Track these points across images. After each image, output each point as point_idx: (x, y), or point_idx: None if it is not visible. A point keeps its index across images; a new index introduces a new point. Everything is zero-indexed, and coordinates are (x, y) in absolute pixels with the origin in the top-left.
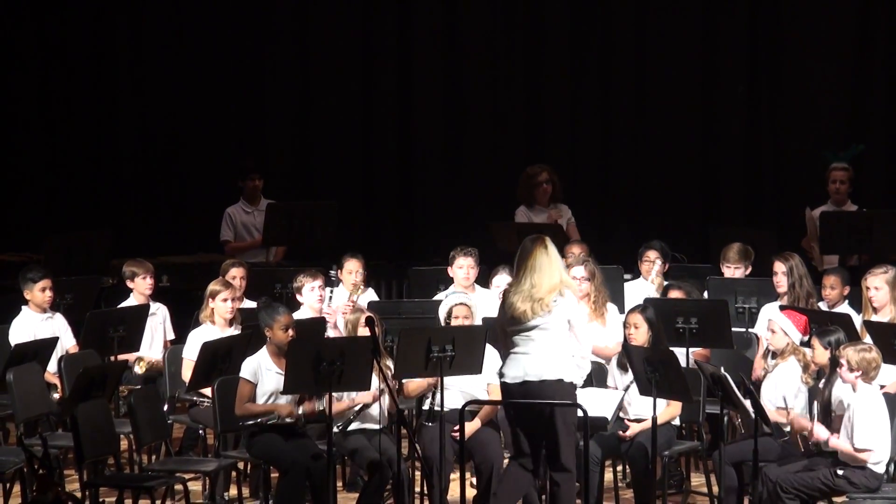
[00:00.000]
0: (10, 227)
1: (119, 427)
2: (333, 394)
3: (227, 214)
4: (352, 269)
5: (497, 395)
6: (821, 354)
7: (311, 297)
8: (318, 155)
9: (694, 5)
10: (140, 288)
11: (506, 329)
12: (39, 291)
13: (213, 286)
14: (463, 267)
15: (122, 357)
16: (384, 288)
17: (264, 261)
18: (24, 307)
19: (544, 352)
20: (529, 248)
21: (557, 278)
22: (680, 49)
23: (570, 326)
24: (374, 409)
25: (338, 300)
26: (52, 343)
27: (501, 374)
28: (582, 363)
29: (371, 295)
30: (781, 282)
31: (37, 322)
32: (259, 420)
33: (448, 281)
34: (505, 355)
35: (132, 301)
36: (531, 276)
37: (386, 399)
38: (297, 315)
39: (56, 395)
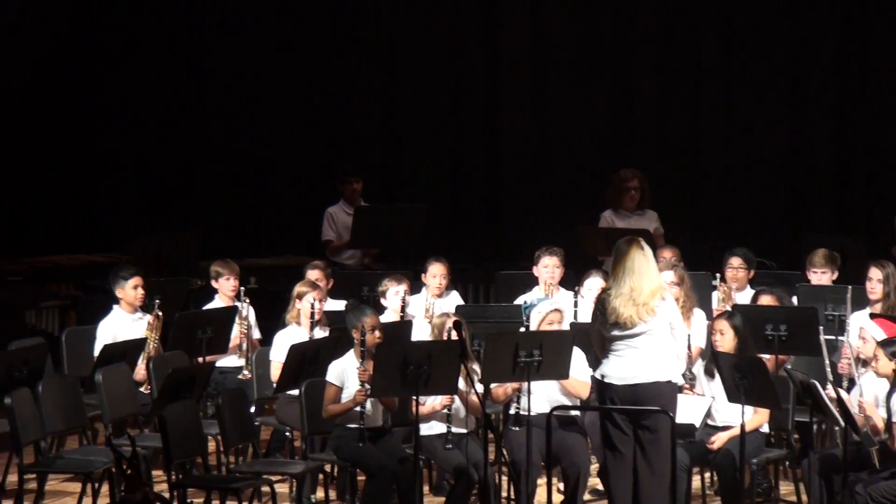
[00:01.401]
0: (99, 228)
1: (207, 428)
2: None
3: (328, 214)
4: (436, 273)
5: (576, 389)
6: (884, 365)
7: (396, 302)
8: (407, 157)
9: (783, 9)
10: (224, 289)
11: (604, 333)
12: (132, 289)
13: (299, 287)
14: (548, 266)
15: (209, 358)
16: (471, 291)
17: (354, 263)
18: (114, 307)
19: (653, 353)
20: (625, 249)
21: (657, 280)
22: (769, 53)
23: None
24: (461, 414)
25: (417, 305)
26: (140, 344)
27: (603, 375)
28: (681, 365)
29: (457, 298)
30: (875, 288)
31: (126, 322)
32: (348, 425)
33: (535, 284)
34: (605, 357)
35: (217, 302)
36: (630, 279)
37: (472, 403)
38: (382, 318)
39: (144, 389)
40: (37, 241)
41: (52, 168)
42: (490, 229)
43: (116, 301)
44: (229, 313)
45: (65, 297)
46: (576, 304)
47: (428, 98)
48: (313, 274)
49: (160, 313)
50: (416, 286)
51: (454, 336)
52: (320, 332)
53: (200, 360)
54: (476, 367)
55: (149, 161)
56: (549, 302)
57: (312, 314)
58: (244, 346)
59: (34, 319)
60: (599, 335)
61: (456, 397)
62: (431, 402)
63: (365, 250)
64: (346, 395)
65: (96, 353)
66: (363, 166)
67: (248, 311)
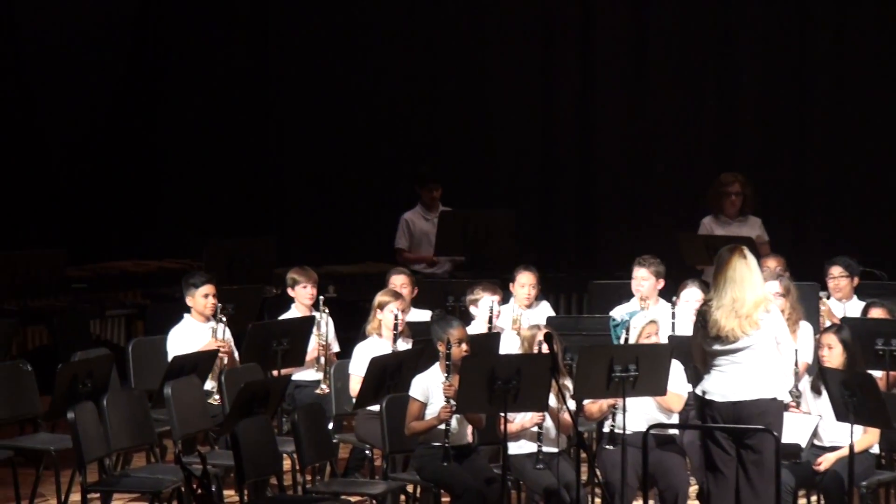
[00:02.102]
0: (169, 233)
1: (282, 446)
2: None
3: (403, 221)
4: (524, 283)
5: (668, 403)
6: None
7: (485, 312)
8: (493, 160)
9: (894, 6)
10: (301, 297)
11: (706, 348)
12: (202, 297)
13: (381, 297)
14: (636, 279)
15: (285, 372)
16: (563, 302)
17: (437, 271)
18: (185, 315)
19: (757, 369)
20: (727, 258)
21: (761, 291)
22: (879, 52)
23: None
24: (552, 432)
25: (505, 316)
26: (212, 355)
27: (704, 392)
28: (787, 381)
29: (547, 309)
30: None
31: (198, 332)
32: (432, 443)
33: (631, 294)
34: (707, 373)
35: (294, 311)
36: (732, 290)
37: (564, 421)
38: (469, 330)
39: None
40: (103, 246)
41: (119, 170)
42: (583, 236)
43: (187, 310)
44: (306, 324)
45: (132, 306)
46: (673, 316)
47: (516, 97)
48: (397, 281)
49: (224, 318)
50: (503, 296)
51: (545, 349)
52: (403, 345)
53: (275, 373)
54: (568, 382)
55: (221, 163)
56: (644, 314)
57: (396, 325)
58: (322, 358)
59: (99, 329)
60: (701, 349)
61: (547, 414)
62: (521, 420)
63: (453, 258)
64: (431, 412)
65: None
66: (447, 170)
67: (326, 321)
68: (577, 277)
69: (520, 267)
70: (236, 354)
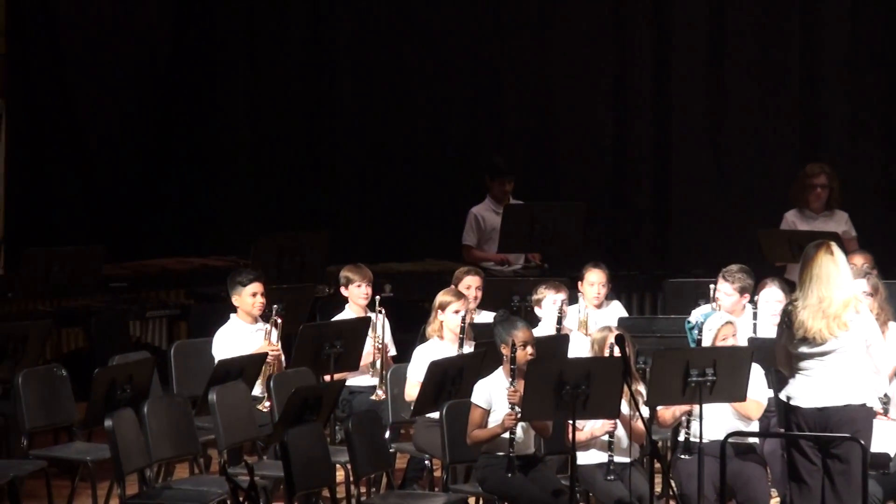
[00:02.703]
0: (214, 229)
1: (335, 455)
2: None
3: (472, 216)
4: (594, 281)
5: (746, 410)
6: None
7: (552, 313)
8: (562, 150)
9: None
10: (355, 297)
11: (791, 350)
12: (249, 296)
13: (442, 296)
14: (719, 291)
15: (338, 376)
16: (636, 302)
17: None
18: (231, 316)
19: (846, 373)
20: (812, 254)
21: (850, 290)
22: None
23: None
24: (624, 441)
25: (573, 317)
26: (260, 359)
27: (789, 397)
28: (879, 387)
29: (619, 310)
30: None
31: (246, 334)
32: (496, 453)
33: (709, 295)
34: (793, 377)
35: (348, 312)
36: (818, 288)
37: (636, 429)
38: (536, 332)
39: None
40: (143, 242)
41: (162, 163)
42: (657, 232)
43: (233, 310)
44: (361, 325)
45: (174, 307)
46: (754, 317)
47: (587, 84)
48: (470, 282)
49: (279, 320)
50: (571, 296)
51: (616, 352)
52: (465, 348)
53: (328, 377)
54: (641, 387)
55: (270, 155)
56: (720, 315)
57: (462, 328)
58: (378, 362)
59: (139, 331)
60: (785, 352)
61: (618, 422)
62: (590, 428)
63: (530, 253)
64: (494, 419)
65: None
66: (513, 160)
67: (382, 322)
68: (650, 276)
69: (589, 264)
70: (282, 358)
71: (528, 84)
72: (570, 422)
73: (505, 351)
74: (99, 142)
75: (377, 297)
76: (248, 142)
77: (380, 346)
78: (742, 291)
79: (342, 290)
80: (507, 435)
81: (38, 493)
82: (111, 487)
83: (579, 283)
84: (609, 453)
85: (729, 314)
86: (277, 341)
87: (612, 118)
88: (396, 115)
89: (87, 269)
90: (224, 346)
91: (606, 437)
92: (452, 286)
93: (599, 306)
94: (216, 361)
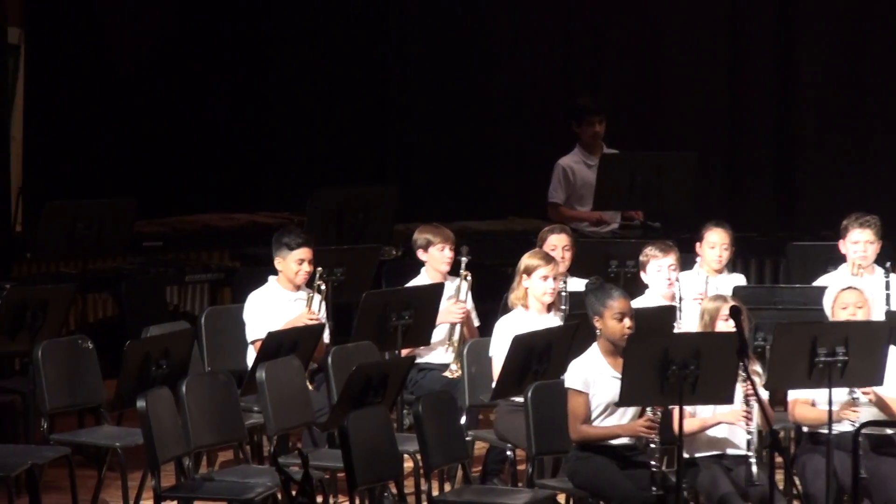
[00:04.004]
0: (265, 181)
1: (402, 444)
2: (688, 409)
3: (560, 168)
4: (715, 242)
5: (891, 406)
6: None
7: (659, 279)
8: (669, 94)
9: None
10: (436, 262)
11: None
12: (295, 263)
13: (528, 260)
14: (859, 242)
15: (407, 352)
16: (755, 269)
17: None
18: (270, 279)
19: None
20: None
21: None
22: None
23: None
24: (739, 434)
25: (687, 285)
26: (317, 331)
27: None
28: None
29: (738, 278)
30: None
31: (284, 301)
32: None
33: (840, 260)
34: None
35: (424, 278)
36: None
37: (755, 416)
38: (638, 302)
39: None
40: (182, 196)
41: (204, 103)
42: (780, 187)
43: (275, 272)
44: (434, 292)
45: (217, 270)
46: (887, 287)
47: (698, 13)
48: (556, 242)
49: (322, 286)
50: (682, 261)
51: (731, 326)
52: (553, 320)
53: (395, 353)
54: (759, 367)
55: (331, 98)
56: (842, 279)
57: (551, 296)
58: (455, 332)
59: (177, 298)
60: None
61: (754, 410)
62: (702, 415)
63: (625, 212)
64: (593, 404)
65: (249, 336)
66: (611, 108)
67: (466, 290)
68: (771, 238)
69: (710, 223)
70: (327, 335)
71: (627, 15)
72: (676, 407)
73: (598, 324)
74: (132, 79)
75: (462, 260)
76: (306, 81)
77: (460, 314)
78: (880, 239)
79: (419, 253)
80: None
81: (59, 484)
82: (144, 478)
83: (697, 244)
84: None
85: (860, 277)
86: (320, 310)
87: (728, 54)
88: (474, 52)
89: (118, 225)
90: (257, 313)
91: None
92: (538, 247)
93: (720, 272)
94: (248, 329)
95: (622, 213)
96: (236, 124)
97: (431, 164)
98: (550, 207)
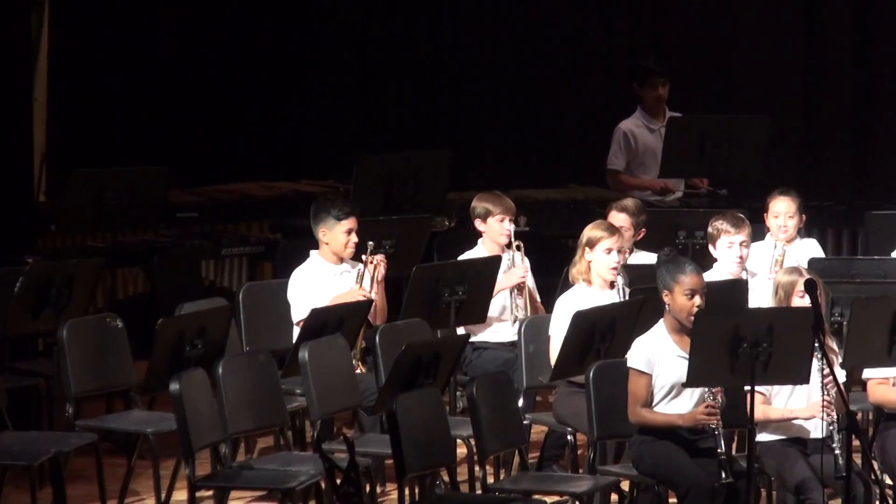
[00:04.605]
0: (309, 147)
1: (456, 428)
2: (763, 389)
3: (620, 132)
4: (779, 212)
5: None
6: None
7: (730, 256)
8: (741, 56)
9: None
10: (494, 233)
11: None
12: (343, 234)
13: (590, 231)
14: None
15: (461, 330)
16: (831, 240)
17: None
18: (312, 253)
19: None
20: None
21: None
22: None
23: None
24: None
25: (757, 258)
26: (365, 307)
27: None
28: None
29: (814, 248)
30: None
31: (328, 276)
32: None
33: None
34: None
35: (480, 251)
36: None
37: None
38: (707, 276)
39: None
40: (219, 163)
41: (243, 63)
42: (859, 153)
43: (315, 245)
44: (490, 266)
45: (257, 243)
46: None
47: None
48: (619, 218)
49: (374, 259)
50: (756, 231)
51: (805, 301)
52: (615, 296)
53: (448, 331)
54: (835, 345)
55: (380, 57)
56: None
57: (615, 271)
58: (514, 308)
59: (213, 273)
60: None
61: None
62: (786, 412)
63: (689, 179)
64: (658, 385)
65: (295, 316)
66: (676, 71)
67: (517, 259)
68: (849, 207)
69: (775, 191)
70: (383, 307)
71: None
72: (748, 388)
73: (667, 300)
74: (165, 38)
75: (510, 229)
76: (351, 39)
77: (521, 273)
78: None
79: (477, 223)
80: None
81: (86, 474)
82: (177, 467)
83: (764, 214)
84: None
85: None
86: (372, 287)
87: (803, 10)
88: (533, 8)
89: (149, 195)
90: (304, 291)
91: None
92: (609, 219)
93: (789, 242)
94: (295, 308)
95: (686, 180)
96: (277, 86)
97: (486, 128)
98: (609, 175)
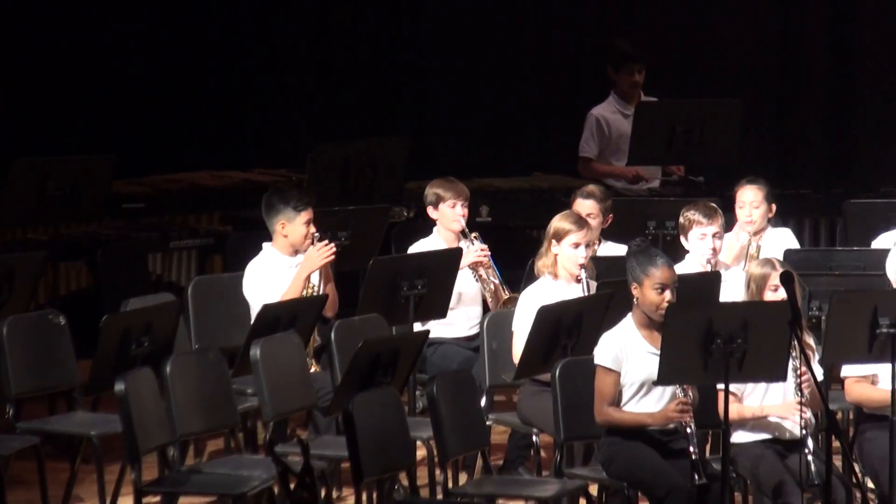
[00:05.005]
0: (261, 135)
1: (415, 430)
2: (734, 388)
3: (592, 119)
4: (745, 202)
5: None
6: None
7: (702, 247)
8: (713, 37)
9: None
10: (446, 220)
11: None
12: (303, 225)
13: (558, 223)
14: None
15: (420, 327)
16: (808, 230)
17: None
18: (265, 246)
19: None
20: None
21: None
22: None
23: None
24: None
25: (731, 248)
26: (319, 303)
27: None
28: None
29: (788, 238)
30: None
31: (283, 269)
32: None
33: None
34: None
35: (435, 240)
36: None
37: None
38: (678, 268)
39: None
40: (167, 151)
41: (191, 47)
42: (836, 139)
43: (268, 238)
44: (451, 257)
45: (207, 235)
46: None
47: None
48: (586, 205)
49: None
50: (729, 221)
51: (778, 295)
52: (582, 289)
53: (407, 327)
54: (812, 341)
55: (332, 42)
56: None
57: (582, 265)
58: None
59: (161, 267)
60: None
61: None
62: (757, 412)
63: (671, 166)
64: (627, 382)
65: (252, 311)
66: (647, 48)
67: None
68: (826, 195)
69: (743, 181)
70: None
71: None
72: (721, 386)
73: (635, 292)
74: (109, 20)
75: (460, 219)
76: (308, 21)
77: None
78: None
79: (430, 210)
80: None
81: (27, 479)
82: (123, 471)
83: (735, 205)
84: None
85: None
86: (321, 278)
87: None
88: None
89: (93, 185)
90: (260, 286)
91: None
92: (570, 209)
93: (757, 234)
94: (252, 304)
95: (662, 168)
96: (228, 70)
97: (446, 113)
98: (581, 162)
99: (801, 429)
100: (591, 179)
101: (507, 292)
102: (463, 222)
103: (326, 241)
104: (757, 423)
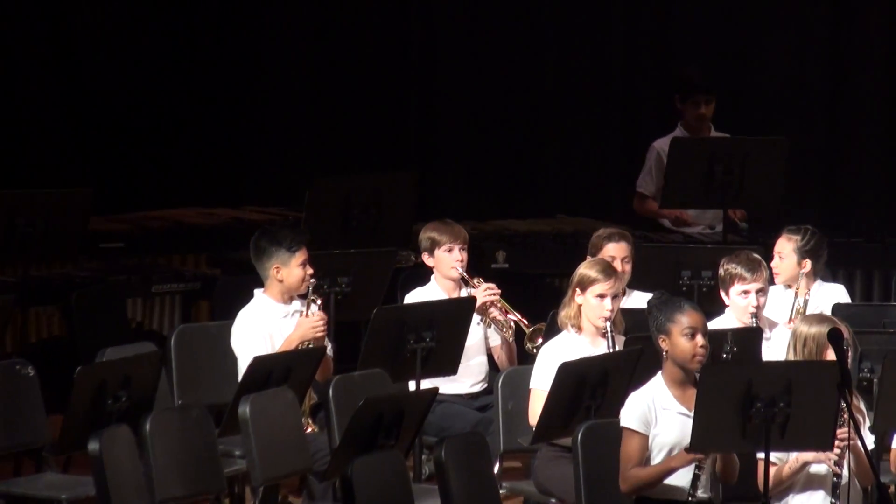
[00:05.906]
0: (253, 170)
1: (421, 498)
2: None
3: (654, 152)
4: (782, 251)
5: None
6: None
7: (744, 305)
8: (760, 70)
9: None
10: (443, 266)
11: None
12: (298, 267)
13: (583, 270)
14: None
15: (427, 384)
16: (860, 282)
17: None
18: (257, 292)
19: None
20: None
21: None
22: None
23: None
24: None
25: (776, 303)
26: (316, 356)
27: None
28: None
29: (836, 290)
30: None
31: (276, 318)
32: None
33: None
34: None
35: (434, 289)
36: None
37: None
38: (715, 324)
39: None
40: (149, 187)
41: (179, 76)
42: (892, 180)
43: (259, 283)
44: (463, 307)
45: (192, 278)
46: None
47: None
48: (612, 251)
49: (317, 300)
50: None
51: (829, 355)
52: (608, 344)
53: (413, 384)
54: (863, 405)
55: (334, 72)
56: None
57: (609, 318)
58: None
59: (141, 313)
60: None
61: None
62: (793, 464)
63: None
64: (657, 445)
65: (242, 369)
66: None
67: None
68: (881, 245)
69: (785, 230)
70: (329, 350)
71: None
72: (762, 455)
73: (663, 345)
74: (89, 43)
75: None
76: (307, 46)
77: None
78: None
79: (424, 257)
80: (687, 472)
81: None
82: None
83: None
84: (832, 500)
85: None
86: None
87: (830, 24)
88: (516, 14)
89: (68, 222)
90: (251, 338)
91: (826, 471)
92: (596, 256)
93: (789, 287)
94: (241, 356)
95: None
96: (217, 99)
97: (459, 147)
98: (636, 199)
99: (833, 476)
100: (649, 218)
101: (529, 326)
102: (461, 268)
103: (321, 315)
104: (807, 480)
